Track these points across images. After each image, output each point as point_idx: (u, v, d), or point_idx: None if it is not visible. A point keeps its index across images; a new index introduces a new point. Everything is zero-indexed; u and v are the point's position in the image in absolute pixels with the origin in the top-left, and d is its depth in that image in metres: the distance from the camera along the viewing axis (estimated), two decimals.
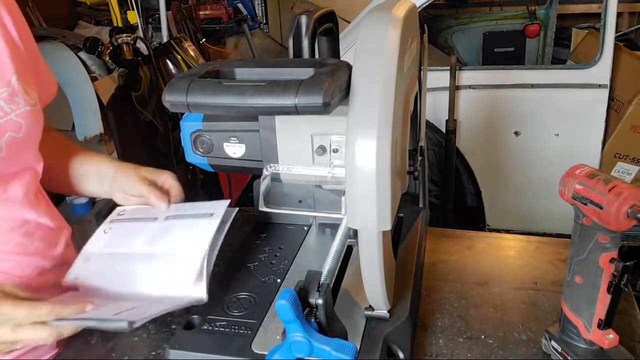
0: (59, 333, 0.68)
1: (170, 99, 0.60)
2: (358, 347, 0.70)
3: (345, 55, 0.73)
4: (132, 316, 0.64)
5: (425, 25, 0.89)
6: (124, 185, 0.91)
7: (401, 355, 0.73)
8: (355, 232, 0.63)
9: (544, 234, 2.39)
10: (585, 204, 0.65)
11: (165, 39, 2.74)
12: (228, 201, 0.86)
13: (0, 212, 0.79)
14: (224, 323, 0.76)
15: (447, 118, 2.36)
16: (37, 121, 0.81)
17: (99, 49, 2.21)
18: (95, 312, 0.68)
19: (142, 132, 2.36)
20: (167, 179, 0.93)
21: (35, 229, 0.84)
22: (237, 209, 0.86)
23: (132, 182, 0.90)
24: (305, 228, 1.00)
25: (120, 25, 2.75)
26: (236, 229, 1.13)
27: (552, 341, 0.76)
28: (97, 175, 0.93)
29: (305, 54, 0.78)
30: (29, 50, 0.83)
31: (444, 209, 2.52)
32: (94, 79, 2.14)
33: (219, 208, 0.85)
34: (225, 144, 0.87)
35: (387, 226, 0.60)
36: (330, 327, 0.64)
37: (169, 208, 0.89)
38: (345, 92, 0.59)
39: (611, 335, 0.71)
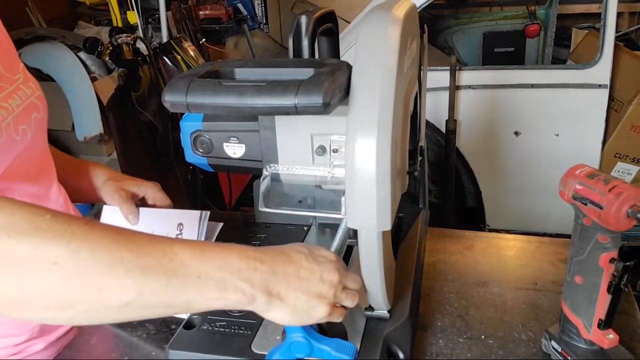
0: None
1: (170, 99, 0.60)
2: (358, 347, 0.70)
3: (345, 55, 0.73)
4: None
5: (425, 25, 0.89)
6: (105, 195, 0.95)
7: (401, 355, 0.73)
8: (355, 232, 0.63)
9: (544, 234, 2.39)
10: (585, 204, 0.65)
11: (165, 39, 2.73)
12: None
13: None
14: (224, 323, 0.76)
15: (447, 118, 2.36)
16: (45, 105, 0.85)
17: (99, 49, 2.21)
18: None
19: (142, 132, 2.36)
20: (149, 192, 0.97)
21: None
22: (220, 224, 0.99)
23: (111, 192, 0.93)
24: (305, 228, 1.00)
25: (120, 25, 2.75)
26: (236, 229, 1.13)
27: (552, 341, 0.76)
28: (92, 182, 0.98)
29: (305, 54, 0.78)
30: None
31: (444, 209, 2.52)
32: (93, 79, 2.14)
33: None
34: (225, 144, 0.87)
35: (387, 226, 0.60)
36: (330, 327, 0.64)
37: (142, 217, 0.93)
38: (345, 92, 0.59)
39: (611, 335, 0.71)
